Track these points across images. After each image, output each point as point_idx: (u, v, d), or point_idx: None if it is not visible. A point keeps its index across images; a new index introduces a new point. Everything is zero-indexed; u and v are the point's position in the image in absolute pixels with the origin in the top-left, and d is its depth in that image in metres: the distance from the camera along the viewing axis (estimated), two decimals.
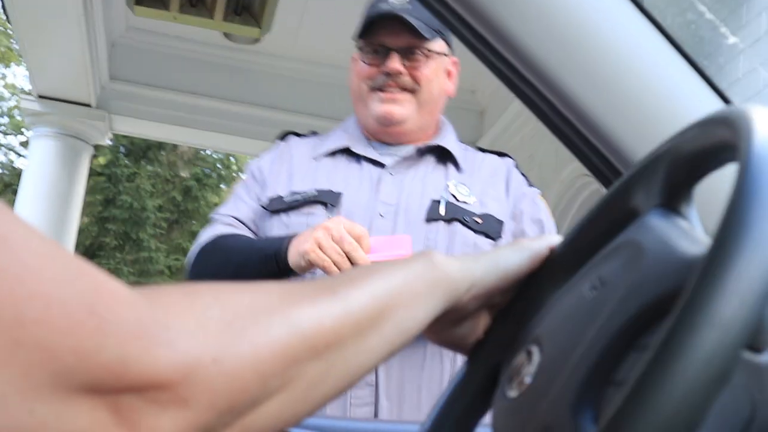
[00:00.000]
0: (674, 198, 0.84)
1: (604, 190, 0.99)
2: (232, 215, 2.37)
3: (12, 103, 19.73)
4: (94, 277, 0.58)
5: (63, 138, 9.36)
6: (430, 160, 2.46)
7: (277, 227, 2.27)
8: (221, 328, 0.64)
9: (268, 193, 2.37)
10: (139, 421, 0.58)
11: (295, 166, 2.41)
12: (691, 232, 0.79)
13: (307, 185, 2.32)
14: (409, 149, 2.44)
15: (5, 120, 20.36)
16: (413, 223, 2.27)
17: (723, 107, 0.79)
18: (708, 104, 1.19)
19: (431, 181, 2.39)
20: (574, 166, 7.30)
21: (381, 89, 2.37)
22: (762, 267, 0.57)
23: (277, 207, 2.30)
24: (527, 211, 2.42)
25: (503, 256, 0.96)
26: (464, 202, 2.34)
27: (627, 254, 0.80)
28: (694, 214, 0.84)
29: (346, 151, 2.42)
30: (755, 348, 0.67)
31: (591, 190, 7.41)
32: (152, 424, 0.59)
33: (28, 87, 9.86)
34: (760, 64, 5.74)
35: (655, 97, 1.19)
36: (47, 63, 8.63)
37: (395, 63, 2.35)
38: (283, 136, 2.56)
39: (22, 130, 19.14)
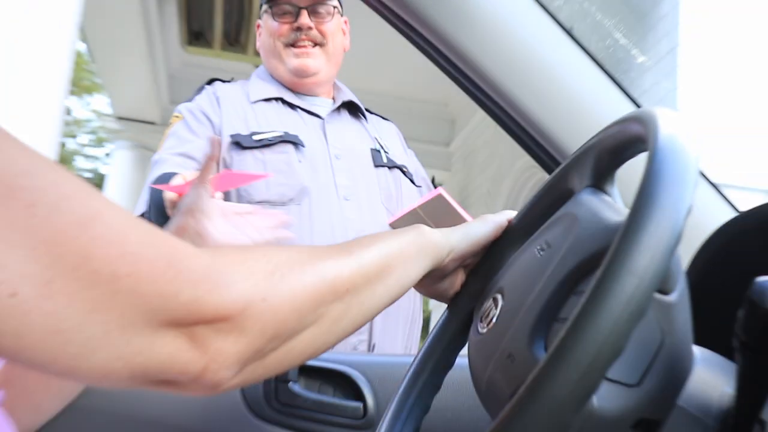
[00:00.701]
0: (601, 180, 0.84)
1: (548, 177, 0.99)
2: (180, 152, 2.03)
3: (95, 123, 19.71)
4: (169, 239, 0.61)
5: (136, 149, 9.39)
6: (346, 114, 2.28)
7: (252, 162, 2.04)
8: (267, 275, 0.67)
9: (226, 130, 2.09)
10: (209, 345, 0.62)
11: (239, 108, 2.15)
12: (614, 205, 0.80)
13: (263, 126, 2.11)
14: (329, 102, 2.27)
15: (92, 136, 20.31)
16: (365, 167, 2.14)
17: (635, 110, 0.79)
18: (624, 109, 1.20)
19: (360, 133, 2.25)
20: (525, 160, 7.29)
21: (293, 45, 2.17)
22: (667, 229, 0.58)
23: (250, 144, 2.06)
24: (418, 170, 2.32)
25: (473, 227, 0.97)
26: (388, 153, 2.22)
27: (566, 223, 0.81)
28: (615, 191, 0.84)
29: (279, 100, 2.20)
30: (664, 291, 0.67)
31: (538, 178, 7.40)
32: (219, 347, 0.62)
33: (107, 111, 9.84)
34: (663, 77, 5.75)
35: (585, 104, 1.19)
36: (123, 92, 8.63)
37: (306, 19, 2.15)
38: (210, 82, 2.29)
39: (104, 143, 19.11)
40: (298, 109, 2.19)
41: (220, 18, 6.68)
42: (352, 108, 2.30)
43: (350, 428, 1.31)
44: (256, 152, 2.04)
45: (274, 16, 2.21)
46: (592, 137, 0.85)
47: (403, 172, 2.22)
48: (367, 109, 2.39)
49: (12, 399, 1.00)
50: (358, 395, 1.33)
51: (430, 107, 9.13)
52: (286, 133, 2.08)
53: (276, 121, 2.13)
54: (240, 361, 0.65)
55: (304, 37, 2.17)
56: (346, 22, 2.31)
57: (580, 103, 1.19)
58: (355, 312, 0.77)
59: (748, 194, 5.31)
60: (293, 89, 2.23)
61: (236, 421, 1.29)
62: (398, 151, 2.30)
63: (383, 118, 2.42)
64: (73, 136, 20.23)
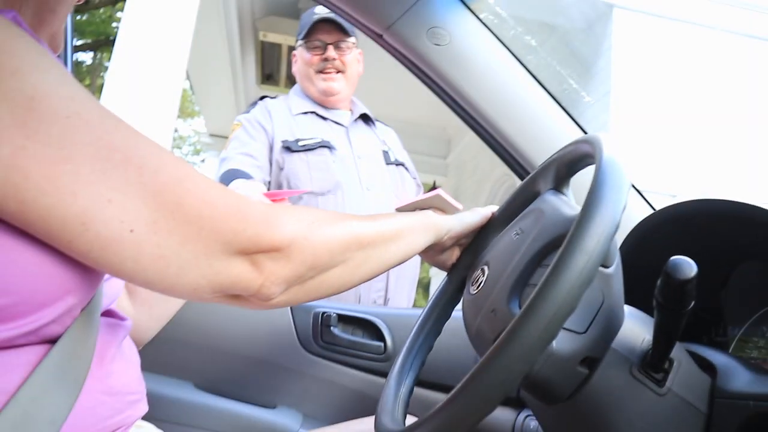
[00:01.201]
0: (560, 185, 0.84)
1: (519, 182, 0.98)
2: (243, 152, 2.01)
3: (194, 138, 19.84)
4: (236, 193, 0.64)
5: None
6: (361, 122, 2.21)
7: (299, 162, 2.00)
8: (309, 222, 0.69)
9: (277, 137, 2.05)
10: (264, 268, 0.64)
11: (285, 119, 2.11)
12: (569, 202, 0.79)
13: (305, 134, 2.06)
14: (348, 113, 2.20)
15: (191, 148, 20.45)
16: (379, 165, 2.09)
17: (586, 134, 0.79)
18: (575, 134, 1.19)
19: (373, 137, 2.19)
20: (502, 169, 7.27)
21: (322, 71, 2.14)
22: (609, 221, 0.58)
23: (297, 148, 2.02)
24: (412, 170, 2.24)
25: (466, 216, 0.96)
26: (394, 153, 2.17)
27: (535, 215, 0.80)
28: (570, 193, 0.84)
29: (313, 113, 2.15)
30: (605, 265, 0.67)
31: (511, 183, 7.38)
32: (271, 270, 0.65)
33: (203, 129, 9.87)
34: (601, 112, 5.77)
35: (547, 129, 1.19)
36: (214, 116, 8.67)
37: (331, 52, 2.13)
38: (262, 98, 2.25)
39: (200, 153, 19.24)
40: (328, 120, 2.15)
41: (285, 65, 6.69)
42: (365, 118, 2.24)
43: (374, 361, 1.31)
44: (301, 155, 2.01)
45: (307, 49, 2.18)
46: (553, 154, 0.85)
47: (406, 169, 2.17)
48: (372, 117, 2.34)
49: (137, 308, 1.00)
50: (380, 337, 1.33)
51: (432, 129, 9.09)
52: (323, 139, 2.04)
53: (312, 129, 2.09)
54: (286, 282, 0.67)
55: (329, 66, 2.14)
56: (360, 53, 2.26)
57: (543, 128, 1.19)
58: (373, 261, 0.77)
59: (660, 197, 5.30)
60: (321, 104, 2.18)
61: (292, 354, 1.30)
62: (399, 151, 2.24)
63: (385, 124, 2.35)
64: (179, 148, 20.34)
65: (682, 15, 6.07)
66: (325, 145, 2.04)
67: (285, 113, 2.14)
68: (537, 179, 0.88)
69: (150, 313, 1.01)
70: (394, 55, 1.22)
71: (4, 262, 0.54)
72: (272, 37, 6.14)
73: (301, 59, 2.22)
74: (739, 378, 0.68)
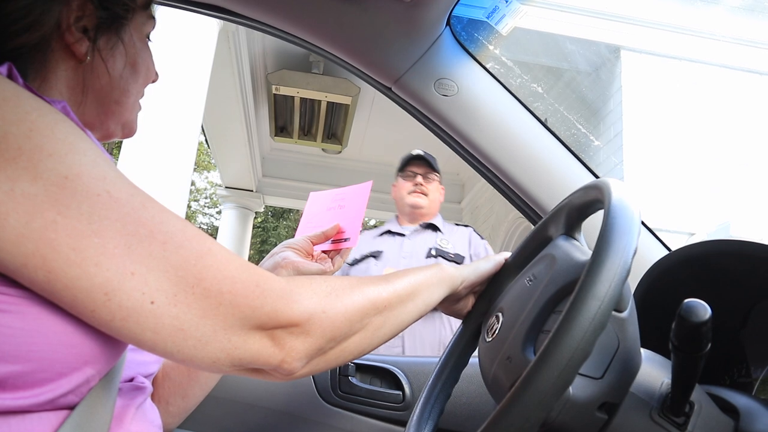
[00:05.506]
0: (571, 230, 0.84)
1: (532, 227, 0.99)
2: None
3: (211, 191, 19.98)
4: (256, 268, 0.64)
5: (238, 209, 9.45)
6: (428, 230, 2.78)
7: (347, 272, 2.64)
8: (325, 294, 0.69)
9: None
10: (285, 344, 0.64)
11: (363, 244, 2.76)
12: (581, 247, 0.79)
13: (365, 250, 2.71)
14: (417, 226, 2.79)
15: (208, 200, 20.57)
16: (419, 261, 2.58)
17: (594, 179, 0.80)
18: (586, 178, 1.19)
19: (428, 240, 2.72)
20: (515, 213, 7.26)
21: (412, 192, 2.80)
22: (620, 266, 0.58)
23: (350, 262, 2.68)
24: (481, 253, 2.72)
25: (480, 264, 0.96)
26: (444, 249, 2.65)
27: (547, 261, 0.80)
28: (582, 238, 0.84)
29: (388, 232, 2.80)
30: (618, 309, 0.67)
31: (525, 226, 7.36)
32: (292, 345, 0.64)
33: (219, 182, 9.95)
34: (611, 154, 5.77)
35: (557, 174, 1.19)
36: (229, 169, 8.74)
37: (419, 179, 2.81)
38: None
39: (217, 205, 19.35)
40: (395, 234, 2.78)
41: (297, 117, 6.76)
42: (432, 226, 2.79)
43: (393, 410, 1.29)
44: (353, 267, 2.67)
45: (402, 177, 2.88)
46: (564, 199, 0.85)
47: (444, 258, 2.60)
48: (456, 223, 2.92)
49: (168, 389, 1.01)
50: (399, 386, 1.31)
51: (446, 175, 9.11)
52: (372, 251, 2.69)
53: (377, 245, 2.73)
54: (307, 356, 0.66)
55: (417, 190, 2.81)
56: (442, 188, 2.94)
57: (554, 174, 1.19)
58: (391, 323, 0.77)
59: (678, 236, 5.26)
60: (408, 219, 2.83)
61: (311, 405, 1.29)
62: (459, 245, 2.71)
63: (465, 225, 2.88)
64: (196, 200, 20.48)
65: (688, 54, 6.12)
66: (373, 255, 2.67)
67: (369, 237, 2.81)
68: (548, 225, 0.88)
69: (167, 409, 1.01)
70: (403, 107, 1.23)
71: (26, 329, 0.55)
72: (285, 90, 6.22)
73: (398, 185, 2.91)
74: (763, 420, 0.67)
